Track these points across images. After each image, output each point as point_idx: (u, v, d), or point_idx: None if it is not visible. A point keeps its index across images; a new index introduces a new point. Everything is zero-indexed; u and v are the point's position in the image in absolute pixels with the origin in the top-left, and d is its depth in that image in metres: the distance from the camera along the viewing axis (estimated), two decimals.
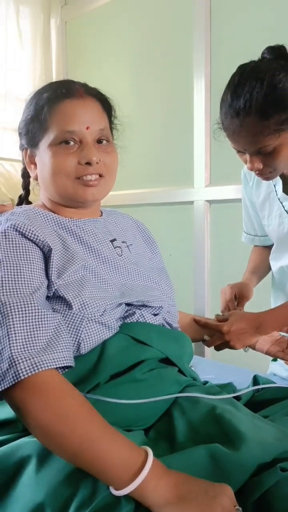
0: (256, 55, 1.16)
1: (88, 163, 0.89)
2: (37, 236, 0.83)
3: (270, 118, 1.07)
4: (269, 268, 1.55)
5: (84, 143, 0.89)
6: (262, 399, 0.96)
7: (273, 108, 1.06)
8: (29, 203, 1.06)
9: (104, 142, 0.92)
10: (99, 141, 0.91)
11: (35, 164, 0.95)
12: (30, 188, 1.06)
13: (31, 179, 1.02)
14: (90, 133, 0.89)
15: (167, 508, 0.61)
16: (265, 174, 1.21)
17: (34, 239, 0.83)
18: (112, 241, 0.98)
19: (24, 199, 1.07)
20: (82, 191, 0.90)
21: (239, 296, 1.42)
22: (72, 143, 0.89)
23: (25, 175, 1.04)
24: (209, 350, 2.11)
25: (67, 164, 0.88)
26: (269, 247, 1.52)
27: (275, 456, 0.70)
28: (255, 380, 1.03)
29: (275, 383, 1.03)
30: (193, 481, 0.64)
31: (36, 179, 0.97)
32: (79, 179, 0.90)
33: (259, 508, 0.65)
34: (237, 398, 0.94)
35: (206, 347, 1.23)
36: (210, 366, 1.65)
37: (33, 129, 0.92)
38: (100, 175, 0.91)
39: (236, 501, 0.63)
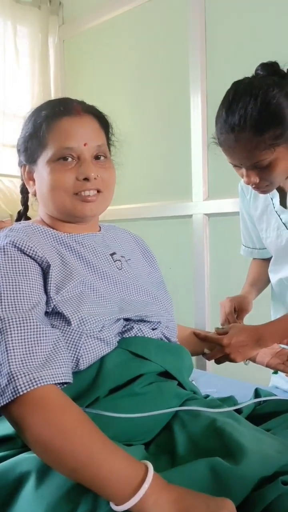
0: (250, 71, 1.18)
1: (86, 179, 0.90)
2: (36, 252, 0.84)
3: (265, 133, 1.08)
4: (269, 281, 1.55)
5: (82, 159, 0.90)
6: (264, 412, 0.95)
7: (268, 123, 1.08)
8: (28, 218, 1.07)
9: (102, 158, 0.93)
10: (97, 157, 0.93)
11: (33, 180, 0.96)
12: (29, 204, 1.07)
13: (29, 195, 1.03)
14: (88, 150, 0.91)
15: None
16: (261, 187, 1.22)
17: (33, 255, 0.84)
18: (111, 254, 0.98)
19: (23, 215, 1.08)
20: (80, 206, 0.91)
21: (238, 309, 1.42)
22: (70, 159, 0.90)
23: (24, 191, 1.05)
24: (211, 364, 2.10)
25: (65, 180, 0.89)
26: (268, 260, 1.52)
27: (276, 469, 0.69)
28: (257, 393, 1.03)
29: (276, 396, 1.02)
30: (194, 495, 0.64)
31: (35, 195, 0.98)
32: (77, 195, 0.91)
33: None
34: (239, 411, 0.93)
35: (207, 361, 1.23)
36: (212, 379, 1.64)
37: (31, 146, 0.93)
38: (98, 191, 0.92)
39: None
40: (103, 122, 0.97)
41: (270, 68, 1.14)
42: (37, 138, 0.92)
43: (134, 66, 2.45)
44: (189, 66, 2.16)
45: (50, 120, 0.91)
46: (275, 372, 1.22)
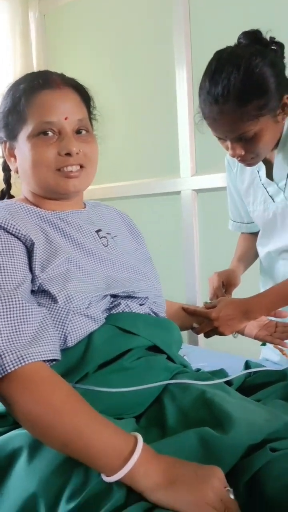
0: (235, 41, 1.16)
1: (68, 154, 0.88)
2: (19, 230, 0.83)
3: (249, 104, 1.07)
4: (257, 255, 1.56)
5: (63, 133, 0.89)
6: (254, 384, 0.96)
7: (251, 93, 1.07)
8: (11, 197, 1.06)
9: (84, 132, 0.92)
10: (78, 132, 0.91)
11: (15, 157, 0.94)
12: (12, 182, 1.05)
13: (12, 173, 1.01)
14: (69, 124, 0.89)
15: (158, 492, 0.62)
16: (247, 160, 1.21)
17: (16, 234, 0.83)
18: (97, 231, 0.97)
19: (5, 193, 1.06)
20: (63, 182, 0.90)
21: (226, 283, 1.43)
22: (51, 134, 0.88)
23: (6, 169, 1.03)
24: (202, 339, 2.12)
25: (47, 155, 0.88)
26: (256, 234, 1.53)
27: (264, 437, 0.70)
28: (247, 366, 1.03)
29: (265, 367, 1.03)
30: (183, 464, 0.65)
31: (17, 172, 0.96)
32: (59, 171, 0.89)
33: (251, 489, 0.65)
34: (229, 383, 0.94)
35: (199, 335, 1.24)
36: (203, 354, 1.66)
37: (11, 121, 0.91)
38: (81, 166, 0.91)
39: (226, 483, 0.64)
40: (84, 95, 0.95)
41: (252, 36, 1.12)
42: (17, 113, 0.90)
43: (117, 39, 2.41)
44: (173, 37, 2.12)
45: (29, 93, 0.89)
46: (263, 344, 1.23)
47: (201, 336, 1.21)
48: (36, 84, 0.89)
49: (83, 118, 0.91)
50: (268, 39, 1.14)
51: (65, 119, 0.88)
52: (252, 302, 1.16)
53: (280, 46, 1.16)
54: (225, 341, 1.26)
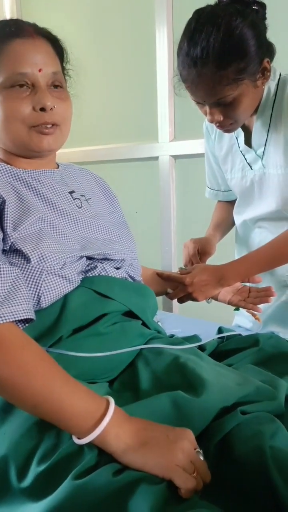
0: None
1: (43, 109, 0.85)
2: None
3: (228, 67, 1.04)
4: (233, 224, 1.56)
5: (37, 86, 0.85)
6: (226, 349, 0.98)
7: (231, 56, 1.04)
8: None
9: (58, 87, 0.88)
10: (53, 86, 0.87)
11: None
12: None
13: None
14: (43, 76, 0.85)
15: (129, 454, 0.62)
16: (226, 126, 1.19)
17: None
18: (70, 193, 0.95)
19: None
20: (37, 139, 0.87)
21: (201, 251, 1.43)
22: (24, 86, 0.84)
23: None
24: (177, 306, 2.14)
25: (21, 109, 0.84)
26: (233, 202, 1.52)
27: (235, 400, 0.71)
28: (220, 332, 1.05)
29: (236, 332, 1.05)
30: (155, 426, 0.65)
31: None
32: (34, 127, 0.86)
33: (221, 450, 0.66)
34: (202, 349, 0.95)
35: (174, 302, 1.24)
36: (178, 320, 1.67)
37: None
38: (55, 124, 0.87)
39: (196, 444, 0.65)
40: (58, 48, 0.91)
41: None
42: None
43: None
44: None
45: (1, 42, 0.84)
46: (237, 309, 1.24)
47: (175, 303, 1.21)
48: (8, 32, 0.85)
49: (57, 71, 0.88)
50: None
51: (39, 71, 0.84)
52: (226, 269, 1.17)
53: (262, 6, 1.12)
54: (199, 307, 1.27)
